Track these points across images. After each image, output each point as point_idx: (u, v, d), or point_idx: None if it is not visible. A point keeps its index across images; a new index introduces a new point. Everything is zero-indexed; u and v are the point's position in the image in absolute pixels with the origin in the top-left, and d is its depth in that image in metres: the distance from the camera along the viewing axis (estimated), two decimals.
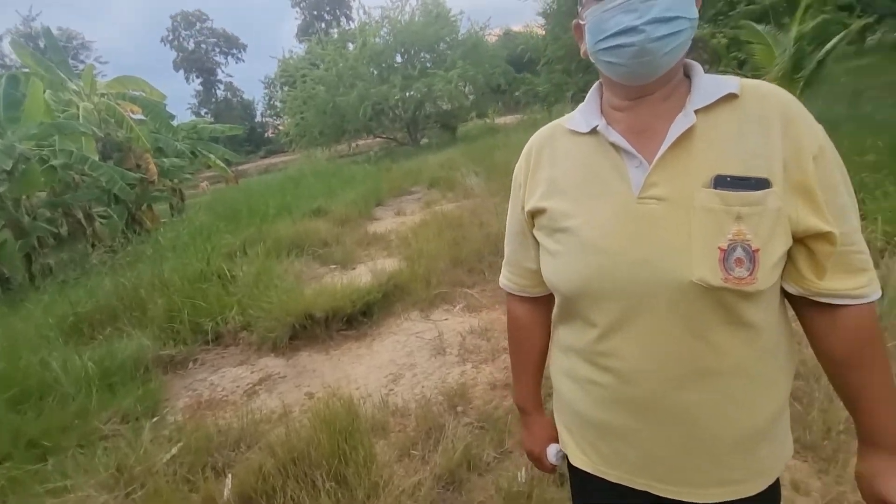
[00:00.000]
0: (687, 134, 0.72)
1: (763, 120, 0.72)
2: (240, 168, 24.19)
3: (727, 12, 10.84)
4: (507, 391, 2.56)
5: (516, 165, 0.94)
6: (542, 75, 16.76)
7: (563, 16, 18.43)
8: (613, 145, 0.77)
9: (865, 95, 7.70)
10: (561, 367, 0.92)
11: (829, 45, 5.80)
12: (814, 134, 0.72)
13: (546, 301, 0.98)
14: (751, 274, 0.68)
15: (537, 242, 0.89)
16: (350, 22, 43.52)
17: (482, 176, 8.24)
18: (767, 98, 0.74)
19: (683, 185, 0.72)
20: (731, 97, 0.73)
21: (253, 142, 42.90)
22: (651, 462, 0.80)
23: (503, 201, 6.31)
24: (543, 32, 22.00)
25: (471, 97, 19.06)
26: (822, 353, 0.78)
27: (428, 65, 20.14)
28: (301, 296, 3.81)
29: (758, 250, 0.68)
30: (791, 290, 0.76)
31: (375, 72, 20.26)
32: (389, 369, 3.07)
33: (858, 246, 0.73)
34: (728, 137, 0.72)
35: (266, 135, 46.71)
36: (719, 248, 0.69)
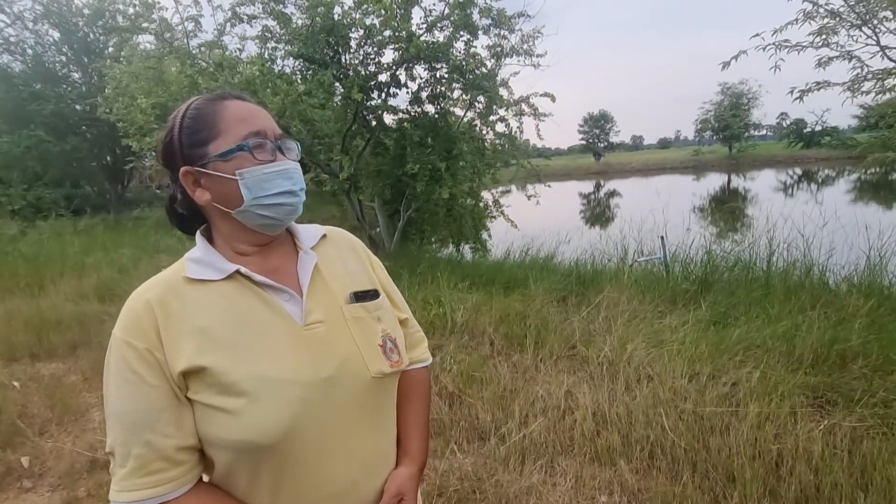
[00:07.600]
0: (315, 267, 0.88)
1: (348, 248, 0.97)
2: None
3: None
4: None
5: (122, 329, 0.76)
6: None
7: None
8: (259, 285, 0.81)
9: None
10: None
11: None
12: (368, 252, 1.01)
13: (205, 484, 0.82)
14: (399, 356, 0.89)
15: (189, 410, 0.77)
16: None
17: None
18: (341, 234, 1.00)
19: (331, 306, 0.85)
20: (324, 237, 0.95)
21: None
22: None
23: None
24: None
25: None
26: (399, 397, 0.99)
27: None
28: None
29: (395, 339, 0.90)
30: None
31: None
32: None
33: (416, 326, 1.07)
34: (339, 264, 0.92)
35: None
36: (378, 345, 0.86)
